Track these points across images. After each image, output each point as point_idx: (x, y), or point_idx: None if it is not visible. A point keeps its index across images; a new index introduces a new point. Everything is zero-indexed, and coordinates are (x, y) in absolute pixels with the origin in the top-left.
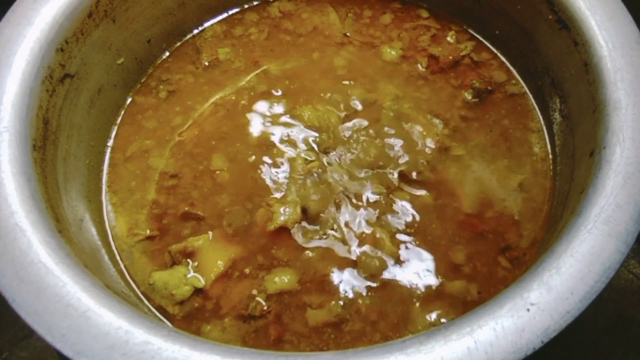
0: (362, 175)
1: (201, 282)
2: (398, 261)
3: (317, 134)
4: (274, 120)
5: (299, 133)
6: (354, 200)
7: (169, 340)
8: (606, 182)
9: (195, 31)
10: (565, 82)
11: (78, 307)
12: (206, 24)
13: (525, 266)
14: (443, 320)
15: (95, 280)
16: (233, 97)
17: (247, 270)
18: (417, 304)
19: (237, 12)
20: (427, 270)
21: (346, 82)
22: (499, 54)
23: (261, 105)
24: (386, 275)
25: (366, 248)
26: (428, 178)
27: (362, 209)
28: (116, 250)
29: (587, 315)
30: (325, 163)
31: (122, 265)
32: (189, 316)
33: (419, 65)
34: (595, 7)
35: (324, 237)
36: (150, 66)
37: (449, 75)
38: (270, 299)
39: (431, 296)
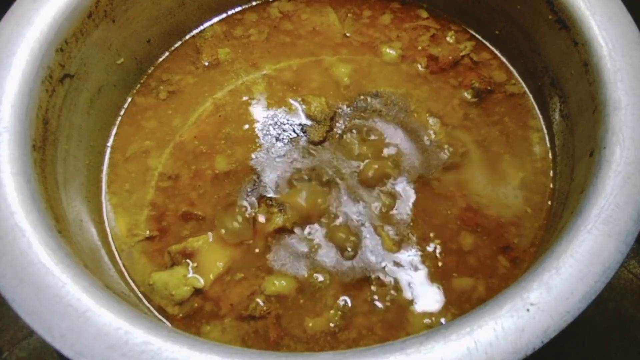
0: (361, 172)
1: (200, 282)
2: (398, 261)
3: (317, 133)
4: (274, 120)
5: (299, 132)
6: (353, 198)
7: (169, 341)
8: (606, 182)
9: (195, 31)
10: (565, 82)
11: (78, 307)
12: (206, 24)
13: (525, 266)
14: (443, 320)
15: (95, 280)
16: (233, 98)
17: (246, 271)
18: (417, 306)
19: (237, 13)
20: (427, 270)
21: (345, 83)
22: (498, 54)
23: (261, 106)
24: (386, 276)
25: (366, 247)
26: (427, 177)
27: (361, 208)
28: (116, 251)
29: (587, 315)
30: (326, 162)
31: (121, 266)
32: (188, 316)
33: (418, 66)
34: (595, 7)
35: (323, 237)
36: (150, 66)
37: (448, 75)
38: (270, 300)
39: (432, 296)
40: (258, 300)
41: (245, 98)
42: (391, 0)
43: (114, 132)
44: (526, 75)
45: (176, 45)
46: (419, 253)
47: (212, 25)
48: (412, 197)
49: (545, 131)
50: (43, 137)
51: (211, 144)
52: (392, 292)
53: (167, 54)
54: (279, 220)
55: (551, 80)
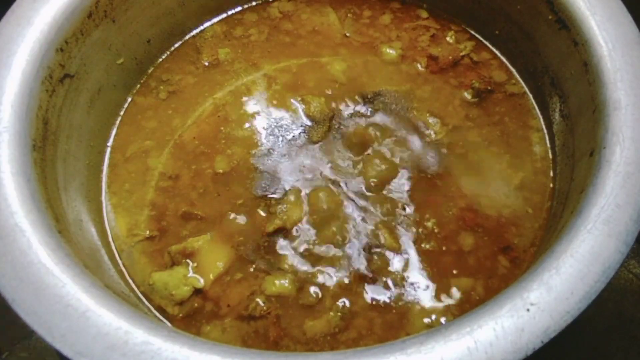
0: (361, 172)
1: (200, 282)
2: (398, 260)
3: (316, 132)
4: (273, 120)
5: (298, 132)
6: (353, 198)
7: (169, 341)
8: (606, 182)
9: (195, 31)
10: (565, 82)
11: (78, 307)
12: (206, 24)
13: (525, 266)
14: (442, 320)
15: (95, 280)
16: (233, 98)
17: (246, 271)
18: (417, 306)
19: (236, 13)
20: (427, 270)
21: (345, 83)
22: (499, 54)
23: (260, 106)
24: (386, 276)
25: (366, 247)
26: (427, 177)
27: (361, 206)
28: (116, 251)
29: (587, 315)
30: (325, 162)
31: (121, 266)
32: (188, 316)
33: (418, 66)
34: (595, 7)
35: (322, 236)
36: (150, 66)
37: (448, 75)
38: (270, 300)
39: (432, 296)
40: (258, 300)
41: (245, 98)
42: (391, 0)
43: (114, 132)
44: (526, 75)
45: (176, 45)
46: (419, 252)
47: (212, 25)
48: (413, 196)
49: (545, 131)
50: (43, 137)
51: (211, 144)
52: (392, 291)
53: (167, 54)
54: (278, 221)
55: (551, 80)
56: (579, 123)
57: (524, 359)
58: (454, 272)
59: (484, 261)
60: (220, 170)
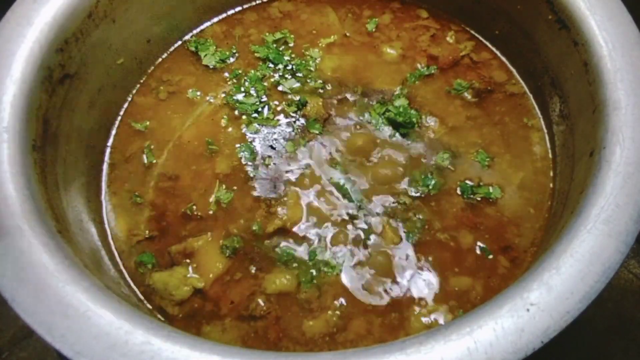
0: (360, 171)
1: (201, 282)
2: (397, 258)
3: (314, 131)
4: (273, 120)
5: (297, 132)
6: (352, 196)
7: (169, 341)
8: (606, 182)
9: (195, 31)
10: (565, 82)
11: (78, 307)
12: (206, 24)
13: (525, 266)
14: (442, 320)
15: (95, 280)
16: (232, 98)
17: (246, 271)
18: (417, 306)
19: (236, 13)
20: (427, 269)
21: (344, 82)
22: (499, 54)
23: (260, 106)
24: (385, 274)
25: (365, 245)
26: (426, 176)
27: (360, 204)
28: (116, 251)
29: (587, 315)
30: (324, 160)
31: (121, 266)
32: (188, 317)
33: (418, 65)
34: (595, 7)
35: (322, 236)
36: (150, 66)
37: (448, 75)
38: (270, 300)
39: (432, 296)
40: (258, 300)
41: (245, 98)
42: (391, 0)
43: (114, 132)
44: (526, 75)
45: (176, 45)
46: (419, 252)
47: (212, 25)
48: (412, 195)
49: (545, 131)
50: (43, 138)
51: (211, 145)
52: (392, 290)
53: (167, 54)
54: (278, 221)
55: (551, 80)
56: (579, 123)
57: (524, 359)
58: (454, 271)
59: (484, 260)
60: (221, 171)
